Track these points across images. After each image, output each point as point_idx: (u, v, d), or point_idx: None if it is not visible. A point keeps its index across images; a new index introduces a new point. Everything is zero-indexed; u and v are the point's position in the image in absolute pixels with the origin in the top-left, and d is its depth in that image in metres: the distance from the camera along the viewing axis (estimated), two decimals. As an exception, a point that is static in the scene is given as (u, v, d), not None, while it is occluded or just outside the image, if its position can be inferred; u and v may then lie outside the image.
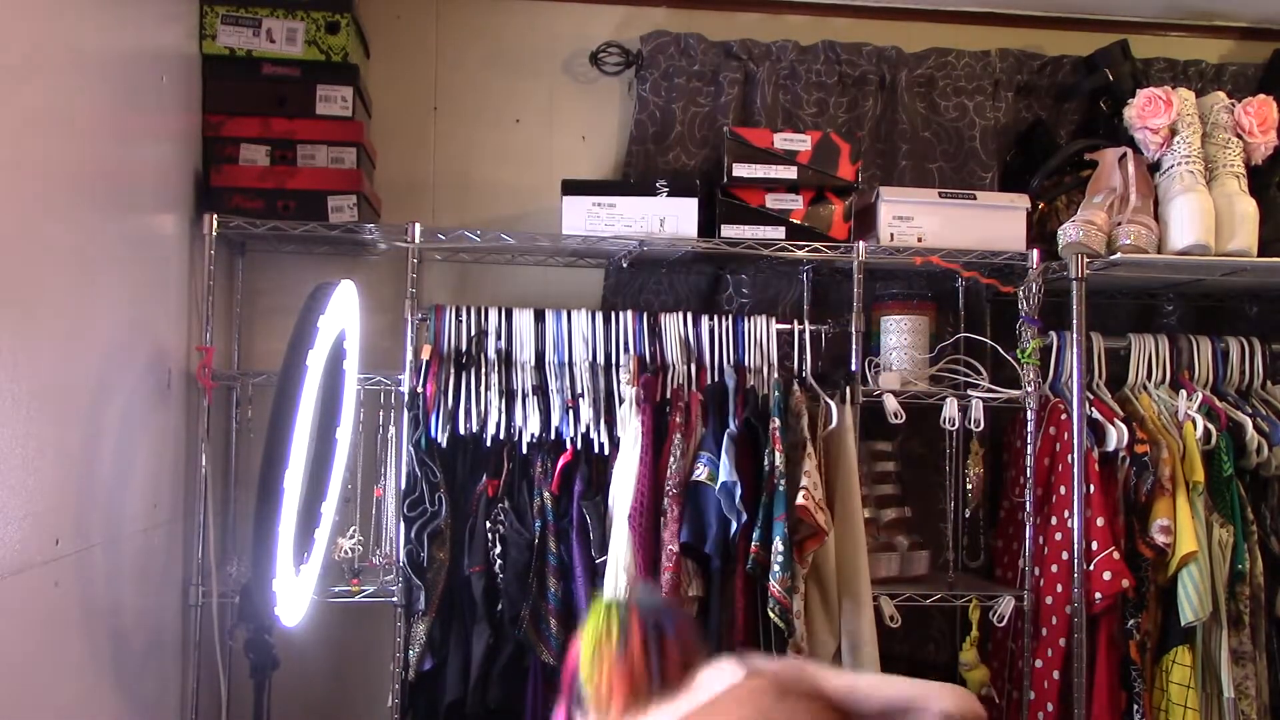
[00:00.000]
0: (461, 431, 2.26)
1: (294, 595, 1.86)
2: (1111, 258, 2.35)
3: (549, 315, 2.40)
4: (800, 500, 2.16)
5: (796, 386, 2.36)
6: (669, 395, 2.31)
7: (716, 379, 2.38)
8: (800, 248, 2.41)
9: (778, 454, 2.22)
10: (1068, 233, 2.38)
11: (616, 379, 2.36)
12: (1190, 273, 2.49)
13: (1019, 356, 2.43)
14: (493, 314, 2.39)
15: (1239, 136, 2.44)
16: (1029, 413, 2.44)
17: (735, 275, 2.70)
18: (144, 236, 2.05)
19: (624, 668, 1.43)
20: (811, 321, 2.49)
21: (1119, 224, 2.39)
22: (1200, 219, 2.34)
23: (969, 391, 2.45)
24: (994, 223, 2.48)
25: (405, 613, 2.27)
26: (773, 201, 2.45)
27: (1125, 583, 2.28)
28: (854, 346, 2.39)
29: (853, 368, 2.38)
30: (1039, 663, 2.39)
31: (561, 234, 2.38)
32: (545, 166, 2.70)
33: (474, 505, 2.29)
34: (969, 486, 2.52)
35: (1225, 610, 2.34)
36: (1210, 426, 2.40)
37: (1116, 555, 2.29)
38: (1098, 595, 2.29)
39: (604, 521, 2.27)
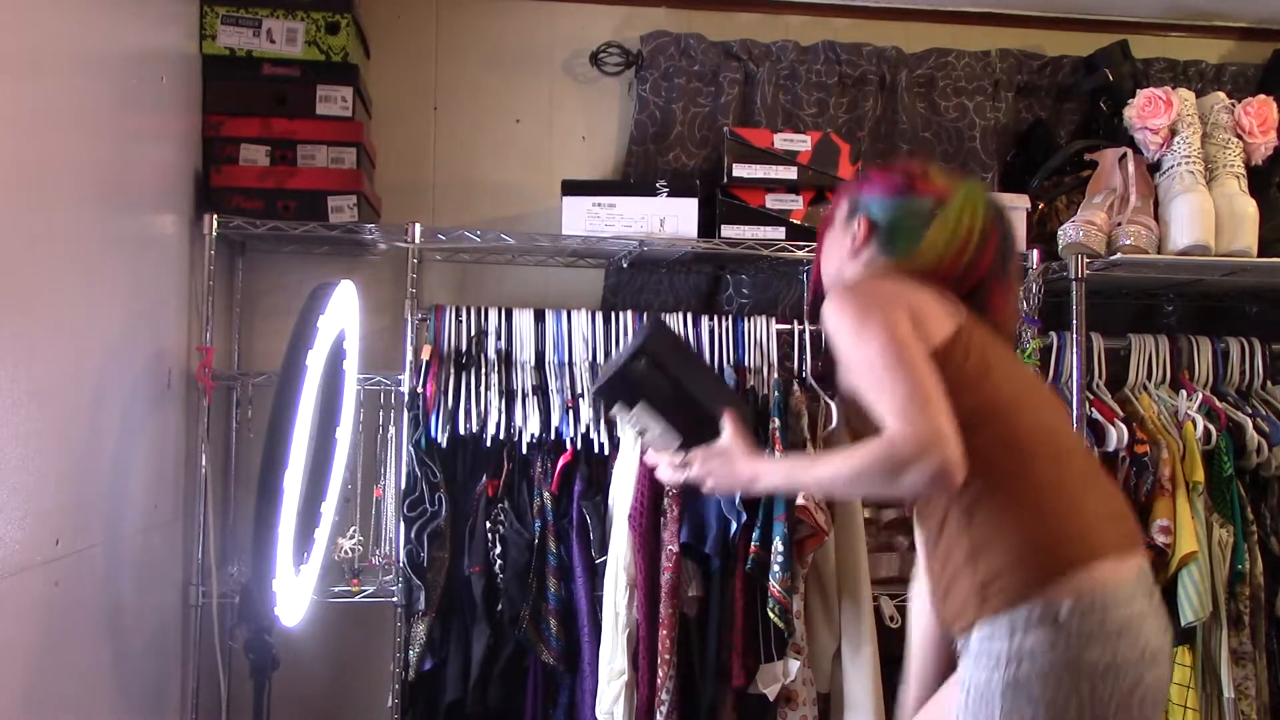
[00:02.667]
0: (461, 431, 2.26)
1: (294, 595, 1.86)
2: (1111, 258, 2.35)
3: (549, 315, 2.40)
4: (800, 500, 2.16)
5: (796, 387, 2.36)
6: (669, 395, 2.30)
7: (716, 379, 2.38)
8: (800, 248, 2.41)
9: (778, 454, 2.21)
10: (1068, 233, 2.38)
11: (616, 379, 2.36)
12: (1190, 273, 2.49)
13: (1019, 356, 2.43)
14: (493, 314, 2.39)
15: (1239, 137, 2.43)
16: (1029, 413, 2.43)
17: (735, 275, 2.70)
18: (144, 236, 2.05)
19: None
20: (811, 321, 2.49)
21: (1119, 224, 2.39)
22: (1200, 219, 2.34)
23: (969, 391, 2.44)
24: (994, 223, 2.48)
25: (405, 613, 2.27)
26: (773, 202, 2.45)
27: (1125, 583, 2.28)
28: (854, 346, 2.38)
29: (853, 368, 2.38)
30: (1039, 663, 2.38)
31: (561, 234, 2.38)
32: (545, 166, 2.70)
33: (474, 505, 2.29)
34: (969, 486, 2.52)
35: (1225, 610, 2.33)
36: (1210, 426, 2.40)
37: (1116, 555, 2.29)
38: (1098, 595, 2.29)
39: (604, 521, 2.27)
